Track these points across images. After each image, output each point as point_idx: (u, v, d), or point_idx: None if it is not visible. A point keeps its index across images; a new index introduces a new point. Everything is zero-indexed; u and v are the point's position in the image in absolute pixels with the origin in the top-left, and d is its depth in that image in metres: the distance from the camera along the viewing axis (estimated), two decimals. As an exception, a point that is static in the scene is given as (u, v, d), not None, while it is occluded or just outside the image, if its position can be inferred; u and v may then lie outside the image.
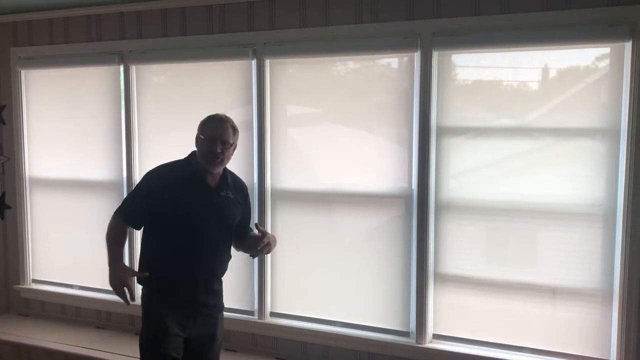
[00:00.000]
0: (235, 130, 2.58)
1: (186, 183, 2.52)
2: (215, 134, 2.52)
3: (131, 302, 2.52)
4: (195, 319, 2.55)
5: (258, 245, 2.59)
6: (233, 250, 2.69)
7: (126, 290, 2.50)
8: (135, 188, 2.64)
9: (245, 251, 2.73)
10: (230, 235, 2.63)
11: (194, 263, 2.51)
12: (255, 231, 2.68)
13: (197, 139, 2.57)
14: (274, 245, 2.67)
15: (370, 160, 3.21)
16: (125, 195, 3.58)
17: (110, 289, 2.53)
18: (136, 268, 2.64)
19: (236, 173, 3.46)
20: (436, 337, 3.10)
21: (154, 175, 2.55)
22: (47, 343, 3.61)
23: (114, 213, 2.59)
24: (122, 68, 3.68)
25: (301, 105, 3.38)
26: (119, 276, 2.50)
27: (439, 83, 2.99)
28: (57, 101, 3.96)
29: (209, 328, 2.60)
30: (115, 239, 2.55)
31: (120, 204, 2.62)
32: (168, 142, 3.59)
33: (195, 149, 2.58)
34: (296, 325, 3.37)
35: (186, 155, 2.59)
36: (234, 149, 2.60)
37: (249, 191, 3.41)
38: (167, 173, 2.54)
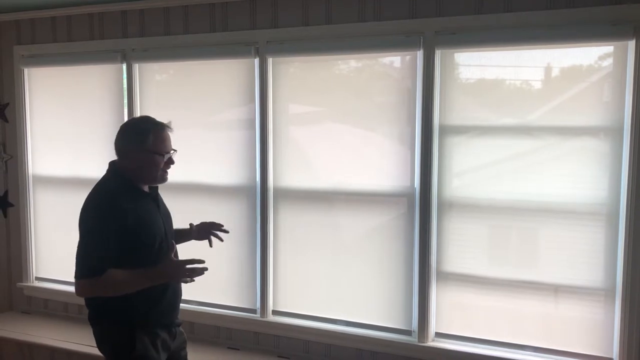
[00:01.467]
0: None
1: (135, 201, 2.25)
2: (169, 146, 2.30)
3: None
4: (175, 334, 2.43)
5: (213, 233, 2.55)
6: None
7: (190, 266, 2.17)
8: (86, 234, 2.16)
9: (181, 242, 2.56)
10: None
11: (172, 284, 2.35)
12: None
13: (137, 151, 2.24)
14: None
15: (373, 159, 3.21)
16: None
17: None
18: (79, 311, 2.31)
19: (239, 172, 3.49)
20: (439, 335, 3.11)
21: (103, 206, 2.18)
22: (50, 341, 3.62)
23: (84, 278, 2.13)
24: (124, 66, 3.69)
25: (303, 104, 3.38)
26: (171, 268, 2.17)
27: (442, 82, 2.99)
28: (59, 99, 3.97)
29: (182, 335, 2.53)
30: (120, 276, 2.14)
31: (82, 264, 2.13)
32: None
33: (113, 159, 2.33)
34: (298, 323, 3.37)
35: (107, 168, 2.36)
36: None
37: (250, 189, 3.45)
38: (115, 197, 2.19)
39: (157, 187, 2.43)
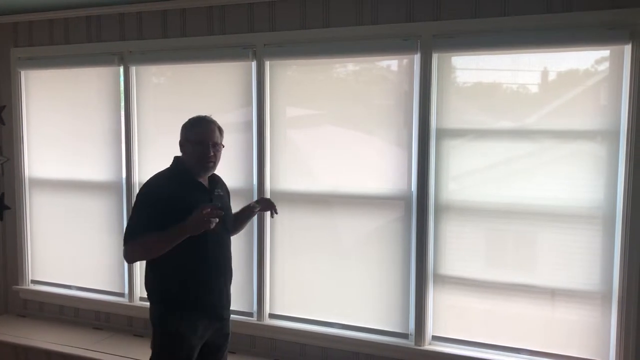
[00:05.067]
0: (221, 130, 2.54)
1: (188, 188, 2.45)
2: (206, 137, 2.47)
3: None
4: (214, 326, 2.53)
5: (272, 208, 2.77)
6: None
7: (209, 213, 2.28)
8: (137, 207, 2.42)
9: (235, 232, 2.78)
10: (230, 229, 2.67)
11: (213, 267, 2.48)
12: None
13: (184, 144, 2.49)
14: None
15: (370, 162, 3.21)
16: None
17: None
18: (144, 294, 2.56)
19: (236, 175, 3.49)
20: (435, 338, 3.10)
21: (155, 187, 2.44)
22: (45, 344, 3.60)
23: (126, 242, 2.37)
24: (122, 69, 3.69)
25: (301, 106, 3.39)
26: (195, 217, 2.27)
27: (439, 85, 2.99)
28: (56, 102, 3.96)
29: (225, 330, 2.62)
30: (153, 236, 2.31)
31: (127, 230, 2.40)
32: (167, 143, 3.58)
33: (178, 154, 2.52)
34: (295, 326, 3.36)
35: (171, 162, 2.54)
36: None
37: (247, 192, 3.45)
38: (168, 181, 2.45)
39: (217, 183, 2.59)
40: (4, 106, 4.07)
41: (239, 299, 3.52)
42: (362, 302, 3.25)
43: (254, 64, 3.34)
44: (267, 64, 3.32)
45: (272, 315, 3.45)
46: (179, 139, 2.52)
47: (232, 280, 2.65)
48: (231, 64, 3.44)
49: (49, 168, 4.03)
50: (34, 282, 4.14)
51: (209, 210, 2.27)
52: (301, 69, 3.34)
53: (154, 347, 2.48)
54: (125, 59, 3.66)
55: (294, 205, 3.36)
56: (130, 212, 2.46)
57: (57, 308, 4.05)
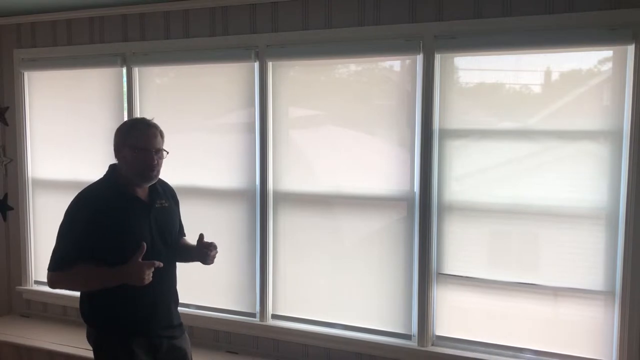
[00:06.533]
0: (162, 135, 2.33)
1: (119, 203, 2.24)
2: (148, 142, 2.25)
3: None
4: (162, 346, 2.35)
5: (208, 250, 2.38)
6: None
7: (149, 268, 2.15)
8: (64, 229, 2.26)
9: (183, 261, 2.50)
10: (175, 245, 2.45)
11: (150, 289, 2.25)
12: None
13: (121, 150, 2.27)
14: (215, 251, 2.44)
15: (373, 162, 3.21)
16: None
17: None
18: (78, 314, 2.36)
19: (239, 175, 3.49)
20: (439, 339, 3.10)
21: (81, 206, 2.23)
22: (49, 344, 3.61)
23: (52, 271, 2.24)
24: (124, 70, 3.69)
25: (303, 107, 3.39)
26: (133, 270, 2.14)
27: (441, 86, 2.99)
28: (59, 103, 3.97)
29: (178, 352, 2.42)
30: (85, 273, 2.19)
31: (53, 257, 2.26)
32: (170, 144, 3.58)
33: (115, 162, 2.33)
34: (298, 327, 3.36)
35: (106, 172, 2.38)
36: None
37: (250, 193, 3.45)
38: (95, 198, 2.24)
39: (158, 192, 2.40)
40: (7, 107, 4.08)
41: (241, 299, 3.52)
42: (364, 302, 3.25)
43: (256, 64, 3.35)
44: (270, 64, 3.32)
45: (274, 316, 3.45)
46: (112, 145, 2.32)
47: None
48: (234, 64, 3.44)
49: (52, 169, 4.04)
50: (38, 282, 4.14)
51: (146, 269, 2.14)
52: (304, 69, 3.34)
53: None
54: (127, 60, 3.66)
55: (296, 206, 3.36)
56: (57, 232, 2.26)
57: (60, 309, 4.06)
